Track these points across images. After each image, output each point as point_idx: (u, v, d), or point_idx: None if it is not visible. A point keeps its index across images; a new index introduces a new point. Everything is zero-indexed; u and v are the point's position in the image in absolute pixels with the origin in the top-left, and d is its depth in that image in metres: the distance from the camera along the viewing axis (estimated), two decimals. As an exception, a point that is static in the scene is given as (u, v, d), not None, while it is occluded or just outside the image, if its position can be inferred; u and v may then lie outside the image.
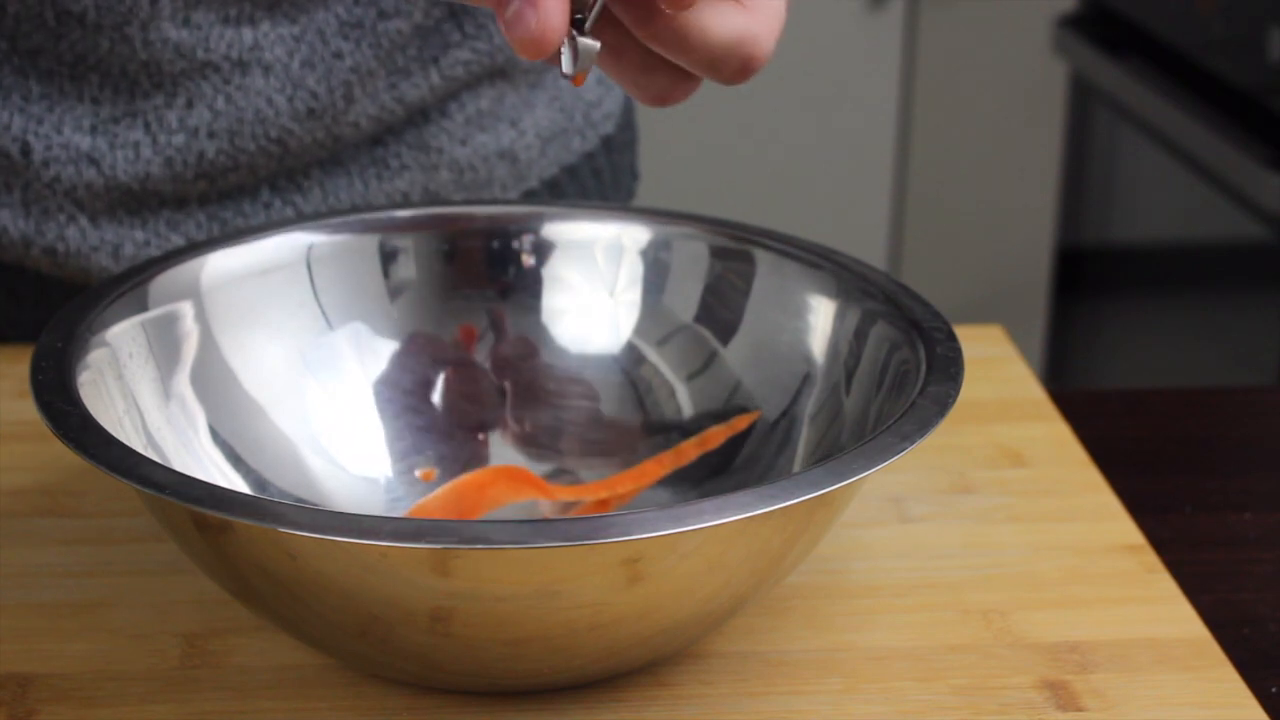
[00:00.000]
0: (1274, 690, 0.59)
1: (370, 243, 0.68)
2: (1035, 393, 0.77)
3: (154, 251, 0.77)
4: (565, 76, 0.51)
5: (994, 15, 2.18)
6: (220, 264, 0.65)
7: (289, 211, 0.78)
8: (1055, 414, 0.75)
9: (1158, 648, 0.60)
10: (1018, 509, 0.68)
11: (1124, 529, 0.67)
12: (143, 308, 0.62)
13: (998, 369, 0.79)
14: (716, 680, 0.58)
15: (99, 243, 0.76)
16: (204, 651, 0.59)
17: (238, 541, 0.51)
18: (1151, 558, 0.65)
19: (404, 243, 0.68)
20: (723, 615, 0.56)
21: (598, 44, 0.50)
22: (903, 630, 0.60)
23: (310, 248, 0.67)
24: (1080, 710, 0.56)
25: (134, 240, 0.76)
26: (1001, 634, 0.60)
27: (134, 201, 0.76)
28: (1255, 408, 0.82)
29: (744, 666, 0.58)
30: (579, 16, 0.49)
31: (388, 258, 0.68)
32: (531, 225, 0.69)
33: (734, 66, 0.51)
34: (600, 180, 0.88)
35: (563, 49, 0.50)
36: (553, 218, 0.69)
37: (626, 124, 0.91)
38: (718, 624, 0.58)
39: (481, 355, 0.69)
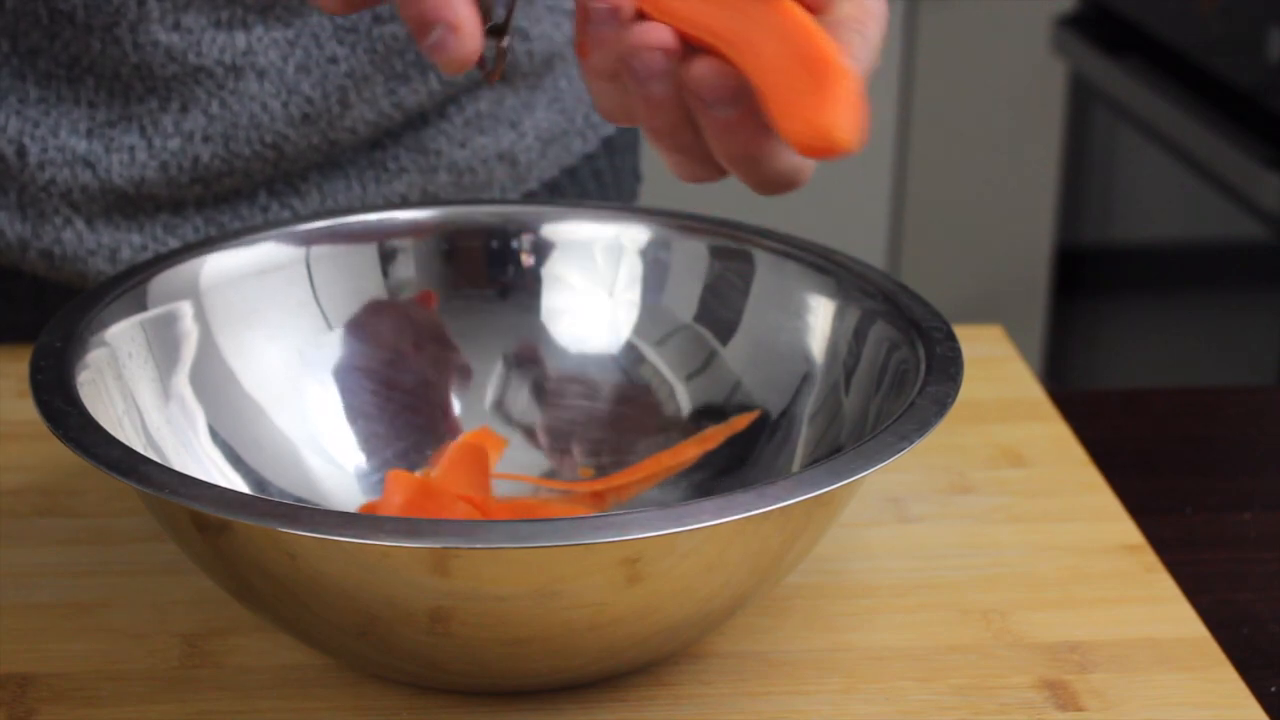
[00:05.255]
0: (1274, 690, 0.59)
1: (370, 242, 0.68)
2: (1035, 393, 0.77)
3: (151, 255, 0.77)
4: (481, 75, 0.54)
5: (994, 15, 2.18)
6: (219, 264, 0.65)
7: (286, 215, 0.78)
8: (1055, 414, 0.75)
9: (1157, 648, 0.59)
10: (1017, 509, 0.68)
11: (1123, 529, 0.67)
12: (142, 308, 0.62)
13: (997, 369, 0.79)
14: (716, 680, 0.58)
15: (96, 246, 0.76)
16: (204, 651, 0.59)
17: (237, 541, 0.51)
18: (1151, 558, 0.65)
19: (403, 242, 0.68)
20: (722, 615, 0.56)
21: (506, 43, 0.54)
22: (903, 630, 0.60)
23: (310, 248, 0.67)
24: (1080, 710, 0.56)
25: (131, 244, 0.76)
26: (1001, 634, 0.60)
27: (130, 205, 0.76)
28: (1255, 408, 0.82)
29: (744, 666, 0.58)
30: (493, 25, 0.54)
31: (387, 257, 0.68)
32: (531, 225, 0.69)
33: (776, 187, 0.53)
34: (601, 182, 0.87)
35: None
36: (552, 217, 0.69)
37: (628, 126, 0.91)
38: (717, 624, 0.58)
39: (480, 354, 0.69)
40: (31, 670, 0.57)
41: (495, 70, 0.55)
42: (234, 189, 0.77)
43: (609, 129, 0.88)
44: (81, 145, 0.74)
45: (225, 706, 0.56)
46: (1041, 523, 0.67)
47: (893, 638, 0.60)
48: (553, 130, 0.84)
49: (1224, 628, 0.61)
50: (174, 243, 0.77)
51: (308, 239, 0.67)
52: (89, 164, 0.74)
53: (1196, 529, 0.69)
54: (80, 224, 0.76)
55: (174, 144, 0.74)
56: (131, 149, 0.74)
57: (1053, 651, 0.59)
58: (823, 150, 0.49)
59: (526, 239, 0.69)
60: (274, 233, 0.67)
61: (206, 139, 0.75)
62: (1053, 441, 0.73)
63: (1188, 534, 0.69)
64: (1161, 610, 0.62)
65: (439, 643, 0.52)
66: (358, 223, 0.68)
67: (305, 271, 0.67)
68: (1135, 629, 0.60)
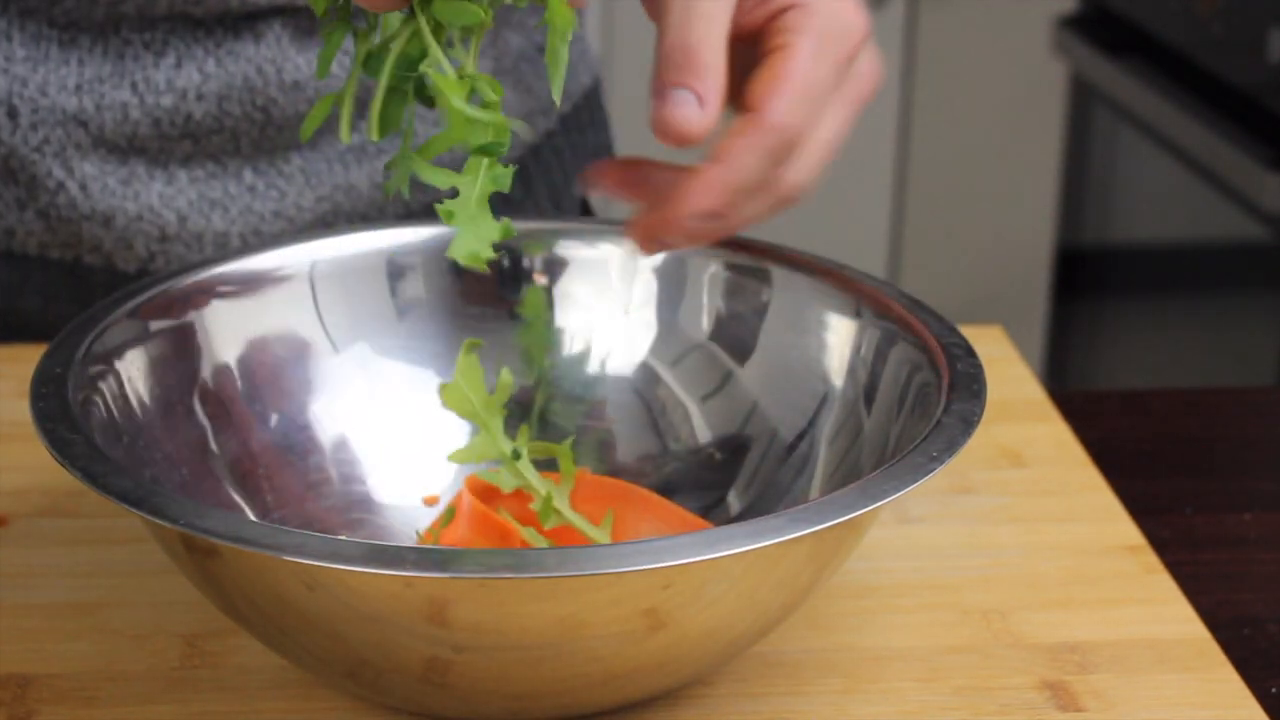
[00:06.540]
0: (1274, 690, 0.59)
1: (377, 259, 0.67)
2: (1035, 393, 0.77)
3: (145, 226, 0.77)
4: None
5: (994, 15, 2.18)
6: (223, 282, 0.64)
7: (273, 194, 0.78)
8: (1055, 414, 0.75)
9: (1158, 648, 0.60)
10: (1018, 509, 0.68)
11: (1124, 529, 0.67)
12: (144, 329, 0.61)
13: (998, 369, 0.79)
14: (716, 680, 0.58)
15: (90, 211, 0.77)
16: (204, 651, 0.59)
17: (225, 566, 0.50)
18: (1151, 558, 0.65)
19: (412, 260, 0.67)
20: (739, 652, 0.56)
21: None
22: (903, 630, 0.60)
23: (314, 265, 0.65)
24: (1080, 710, 0.56)
25: (125, 212, 0.77)
26: (1001, 634, 0.60)
27: (121, 164, 0.76)
28: (1255, 408, 0.82)
29: (744, 666, 0.58)
30: None
31: (395, 275, 0.67)
32: (543, 242, 0.68)
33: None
34: (561, 159, 0.89)
35: None
36: (565, 235, 0.68)
37: (586, 105, 0.92)
38: (729, 661, 0.57)
39: (489, 374, 0.67)
40: (31, 670, 0.57)
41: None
42: (221, 148, 0.78)
43: (565, 107, 0.89)
44: (72, 103, 0.75)
45: (225, 706, 0.56)
46: (1041, 523, 0.67)
47: (893, 638, 0.60)
48: (520, 109, 0.85)
49: (1224, 628, 0.61)
50: (168, 214, 0.77)
51: (312, 256, 0.66)
52: (81, 122, 0.75)
53: (1196, 529, 0.69)
54: (74, 187, 0.76)
55: (167, 100, 0.75)
56: (124, 106, 0.75)
57: (1053, 652, 0.59)
58: None
59: (539, 257, 0.68)
60: (277, 251, 0.65)
61: (200, 97, 0.75)
62: (1053, 441, 0.73)
63: (1188, 534, 0.69)
64: (1161, 611, 0.62)
65: (442, 685, 0.51)
66: (364, 239, 0.67)
67: (310, 290, 0.65)
68: (1135, 629, 0.60)
